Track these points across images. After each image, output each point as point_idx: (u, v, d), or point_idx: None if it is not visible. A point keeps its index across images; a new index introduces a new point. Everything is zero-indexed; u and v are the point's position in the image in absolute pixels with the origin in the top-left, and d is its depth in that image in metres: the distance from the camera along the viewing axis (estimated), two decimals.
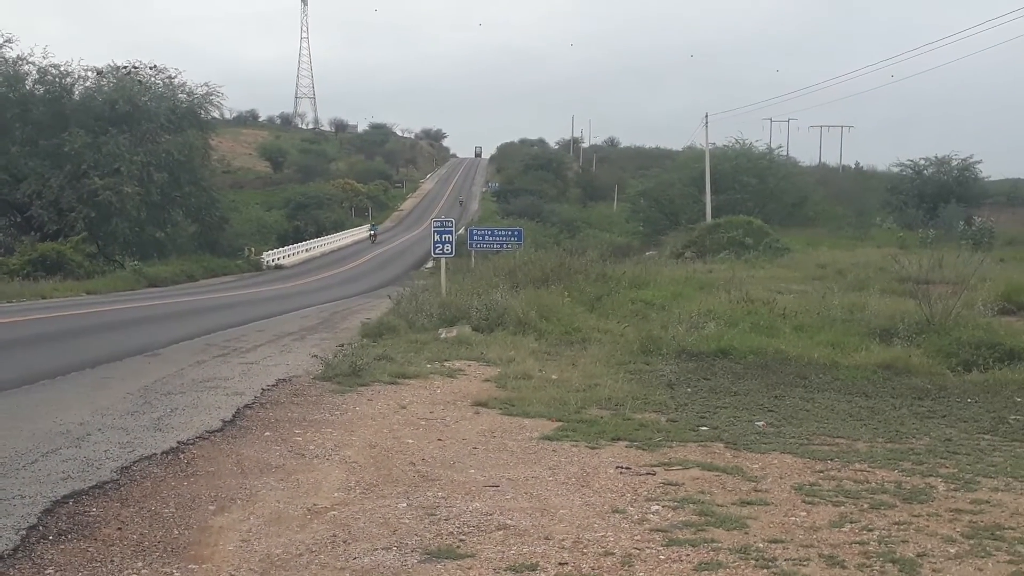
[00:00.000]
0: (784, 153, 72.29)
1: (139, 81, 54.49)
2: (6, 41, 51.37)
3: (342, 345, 15.69)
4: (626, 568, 5.59)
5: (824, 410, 11.01)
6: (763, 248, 39.53)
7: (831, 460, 8.47)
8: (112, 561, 5.55)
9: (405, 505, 6.86)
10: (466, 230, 40.12)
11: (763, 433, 9.65)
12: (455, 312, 18.14)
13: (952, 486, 7.59)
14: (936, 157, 59.41)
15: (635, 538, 6.15)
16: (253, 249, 59.24)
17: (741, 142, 63.35)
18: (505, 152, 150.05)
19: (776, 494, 7.30)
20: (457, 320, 17.62)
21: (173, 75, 56.42)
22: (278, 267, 56.95)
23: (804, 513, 6.79)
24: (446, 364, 13.84)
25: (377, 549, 5.90)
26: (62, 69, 53.35)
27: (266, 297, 33.92)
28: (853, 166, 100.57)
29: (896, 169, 63.39)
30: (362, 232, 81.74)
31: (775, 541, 6.11)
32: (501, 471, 7.95)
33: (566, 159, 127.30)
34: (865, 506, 6.97)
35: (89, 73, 54.71)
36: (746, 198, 55.61)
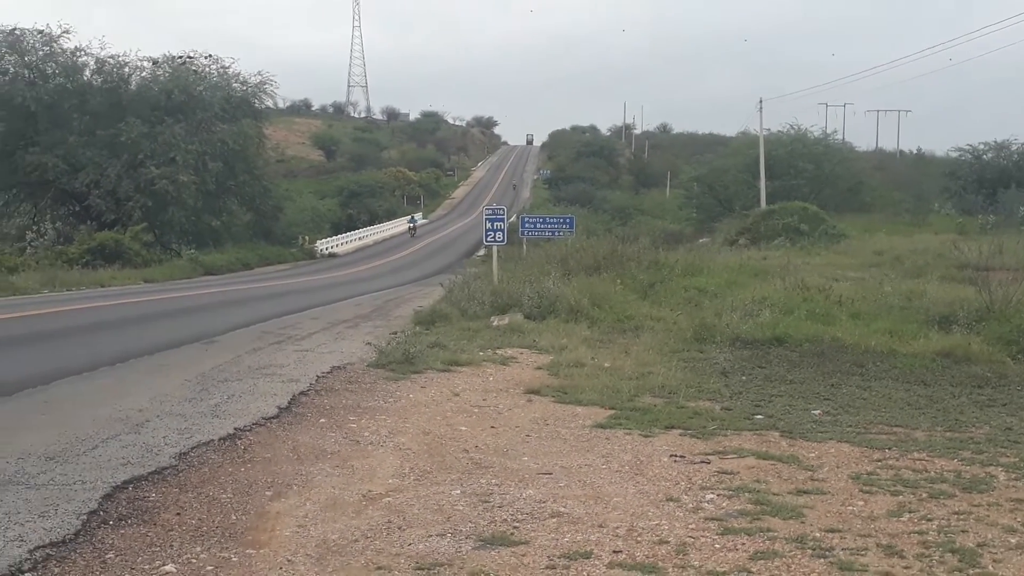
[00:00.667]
0: (840, 138, 71.28)
1: (194, 71, 55.05)
2: (64, 32, 52.12)
3: (395, 333, 15.78)
4: (680, 556, 5.57)
5: (882, 398, 10.88)
6: (819, 235, 39.08)
7: (889, 449, 8.37)
8: (171, 546, 5.63)
9: (459, 492, 6.89)
10: (518, 218, 40.12)
11: (819, 422, 9.56)
12: (507, 300, 18.14)
13: (1013, 475, 7.46)
14: (995, 141, 58.17)
15: (689, 527, 6.12)
16: (307, 237, 59.71)
17: (796, 127, 62.66)
18: (557, 139, 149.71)
19: (833, 483, 7.22)
20: (509, 308, 17.63)
21: (227, 65, 56.91)
22: (331, 255, 57.38)
23: (862, 502, 6.72)
24: (498, 352, 13.86)
25: (431, 535, 5.93)
26: (119, 60, 54.07)
27: (320, 285, 34.20)
28: (910, 151, 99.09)
29: (954, 154, 62.24)
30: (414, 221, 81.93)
31: (832, 530, 6.05)
32: (554, 459, 7.95)
33: (618, 146, 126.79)
34: (924, 495, 6.88)
35: (145, 63, 55.38)
36: (801, 184, 54.98)
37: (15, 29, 50.68)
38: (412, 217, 75.95)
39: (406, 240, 68.36)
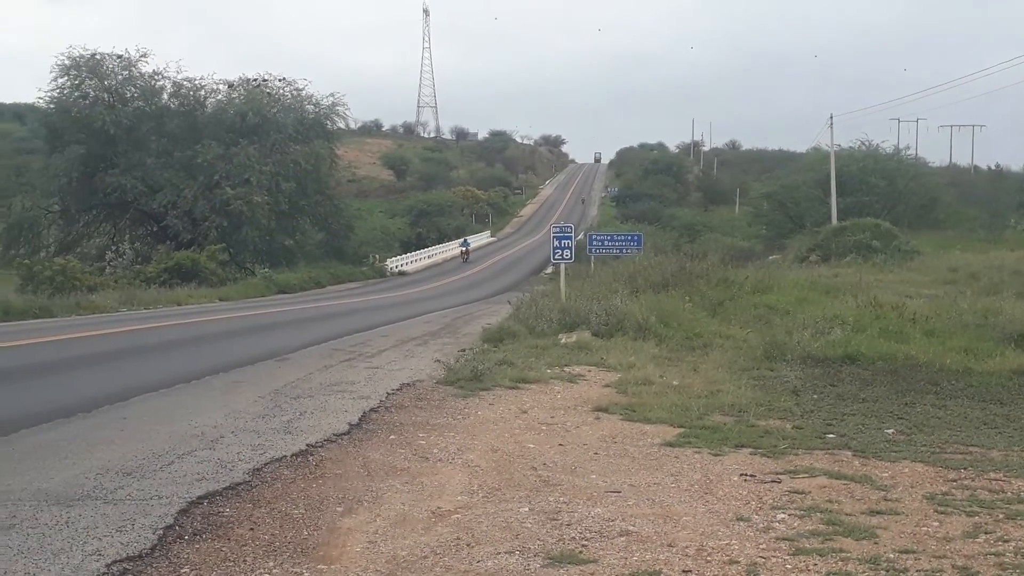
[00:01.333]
0: (913, 154, 70.22)
1: (268, 93, 56.11)
2: (142, 56, 53.52)
3: (464, 350, 15.86)
4: None
5: (957, 417, 10.67)
6: (891, 251, 38.54)
7: (964, 469, 8.20)
8: (244, 561, 5.72)
9: (527, 509, 6.90)
10: (585, 235, 40.10)
11: (893, 441, 9.40)
12: (575, 317, 18.14)
13: None
14: None
15: (760, 546, 6.06)
16: (377, 256, 60.37)
17: (867, 143, 61.87)
18: (624, 157, 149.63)
19: (907, 503, 7.10)
20: (577, 325, 17.62)
21: (301, 87, 57.97)
22: (401, 273, 57.90)
23: (936, 523, 6.60)
24: (566, 369, 13.86)
25: (500, 553, 5.95)
26: (195, 83, 55.34)
27: (390, 303, 34.50)
28: (986, 167, 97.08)
29: None
30: (482, 238, 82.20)
31: (906, 551, 5.95)
32: (623, 477, 7.93)
33: (686, 163, 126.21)
34: (1000, 516, 6.73)
35: (220, 86, 56.65)
36: (873, 200, 54.26)
37: (95, 54, 52.10)
38: (464, 240, 71.05)
39: (474, 258, 68.63)
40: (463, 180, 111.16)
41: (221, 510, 6.68)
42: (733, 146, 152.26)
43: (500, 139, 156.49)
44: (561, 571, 5.63)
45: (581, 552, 5.95)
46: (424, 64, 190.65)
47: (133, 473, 7.43)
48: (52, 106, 52.70)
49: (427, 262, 64.76)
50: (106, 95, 51.85)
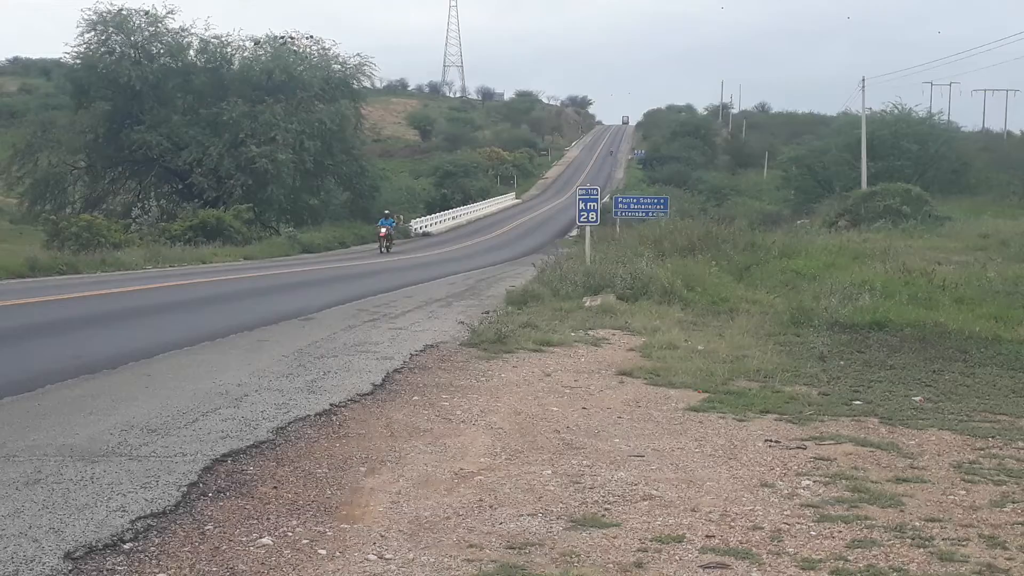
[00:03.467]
0: (945, 118, 69.24)
1: (295, 51, 55.92)
2: (168, 13, 53.37)
3: (487, 312, 15.83)
4: (775, 543, 5.48)
5: (985, 386, 10.57)
6: (921, 217, 38.16)
7: (992, 438, 8.13)
8: (268, 519, 5.73)
9: (550, 472, 6.88)
10: (611, 198, 39.92)
11: (920, 408, 9.32)
12: (599, 281, 18.06)
13: None
14: None
15: (784, 513, 6.02)
16: (402, 217, 60.31)
17: (899, 107, 61.10)
18: (652, 119, 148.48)
19: (934, 471, 7.04)
20: (601, 289, 17.55)
21: (328, 46, 57.71)
22: (426, 234, 57.87)
23: (963, 492, 6.53)
24: (590, 333, 13.81)
25: (523, 515, 5.93)
26: (222, 40, 55.20)
27: (414, 264, 34.51)
28: (1020, 132, 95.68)
29: None
30: (507, 200, 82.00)
31: (932, 520, 5.90)
32: (646, 441, 7.90)
33: (714, 125, 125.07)
34: None
35: (247, 43, 56.49)
36: (904, 165, 53.69)
37: (122, 10, 52.02)
38: (385, 218, 45.90)
39: (499, 220, 68.56)
40: (488, 141, 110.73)
41: (245, 468, 6.69)
42: (762, 109, 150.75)
43: (526, 100, 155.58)
44: (584, 534, 5.60)
45: (604, 515, 5.93)
46: (451, 23, 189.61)
47: (157, 430, 7.45)
48: (78, 62, 52.72)
49: (452, 223, 64.68)
50: (132, 51, 51.76)
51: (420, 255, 41.11)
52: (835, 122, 75.17)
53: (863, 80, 55.08)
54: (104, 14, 51.53)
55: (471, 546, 5.38)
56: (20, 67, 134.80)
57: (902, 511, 6.07)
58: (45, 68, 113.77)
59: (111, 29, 51.75)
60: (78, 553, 4.98)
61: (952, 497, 6.40)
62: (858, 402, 9.54)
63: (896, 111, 60.60)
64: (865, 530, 5.69)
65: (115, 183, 55.31)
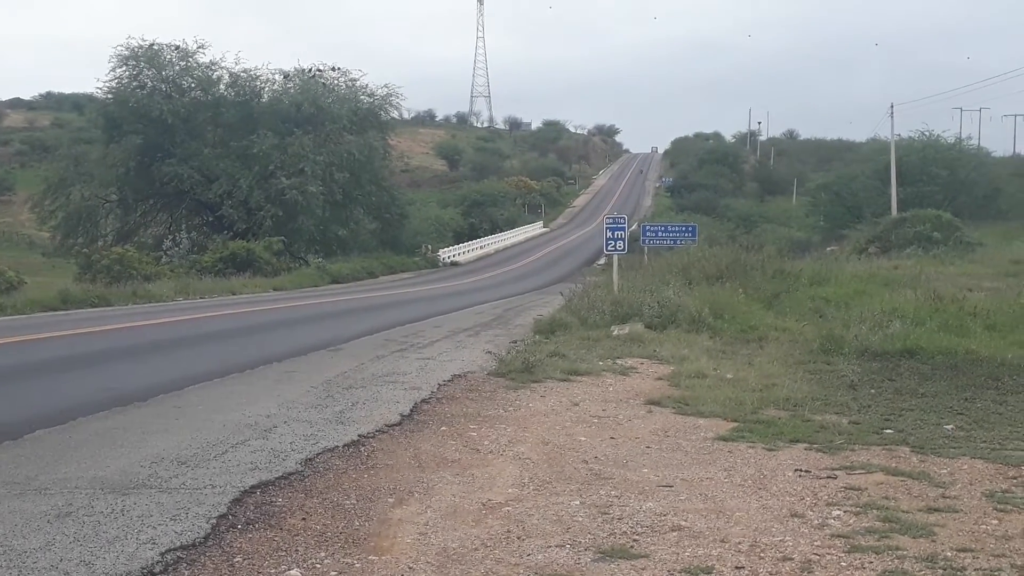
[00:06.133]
0: (975, 144, 68.85)
1: (323, 83, 56.46)
2: (199, 47, 54.09)
3: (515, 341, 15.84)
4: (805, 574, 5.43)
5: (1018, 413, 10.43)
6: (952, 243, 37.88)
7: None
8: (296, 551, 5.74)
9: (578, 503, 6.86)
10: (639, 226, 39.90)
11: (952, 437, 9.22)
12: (627, 309, 18.03)
13: None
14: None
15: (815, 543, 5.97)
16: (430, 246, 60.49)
17: (928, 133, 60.85)
18: (679, 146, 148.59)
19: (966, 501, 6.96)
20: (629, 317, 17.52)
21: (356, 77, 58.29)
22: (454, 264, 58.01)
23: (996, 521, 6.45)
24: (618, 361, 13.78)
25: (551, 546, 5.91)
26: (252, 73, 55.84)
27: (442, 293, 34.59)
28: None
29: None
30: (534, 229, 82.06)
31: (964, 550, 5.83)
32: (675, 471, 7.86)
33: (742, 153, 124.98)
34: None
35: (276, 76, 57.14)
36: (934, 191, 53.39)
37: (153, 44, 52.74)
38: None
39: (526, 249, 68.65)
40: (516, 170, 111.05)
41: (274, 500, 6.71)
42: (791, 135, 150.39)
43: (553, 129, 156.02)
44: (612, 565, 5.58)
45: (632, 547, 5.90)
46: (478, 53, 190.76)
47: (187, 462, 7.49)
48: (110, 96, 53.40)
49: (479, 252, 64.83)
50: (163, 85, 52.46)
51: (448, 284, 41.21)
52: (864, 148, 74.96)
53: (892, 107, 55.05)
54: (136, 49, 52.27)
55: None
56: (53, 102, 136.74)
57: (934, 541, 6.00)
58: (77, 102, 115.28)
59: (142, 64, 52.46)
60: None
61: (984, 527, 6.33)
62: (889, 431, 9.46)
63: (925, 137, 60.35)
64: (896, 560, 5.63)
65: (146, 216, 55.89)
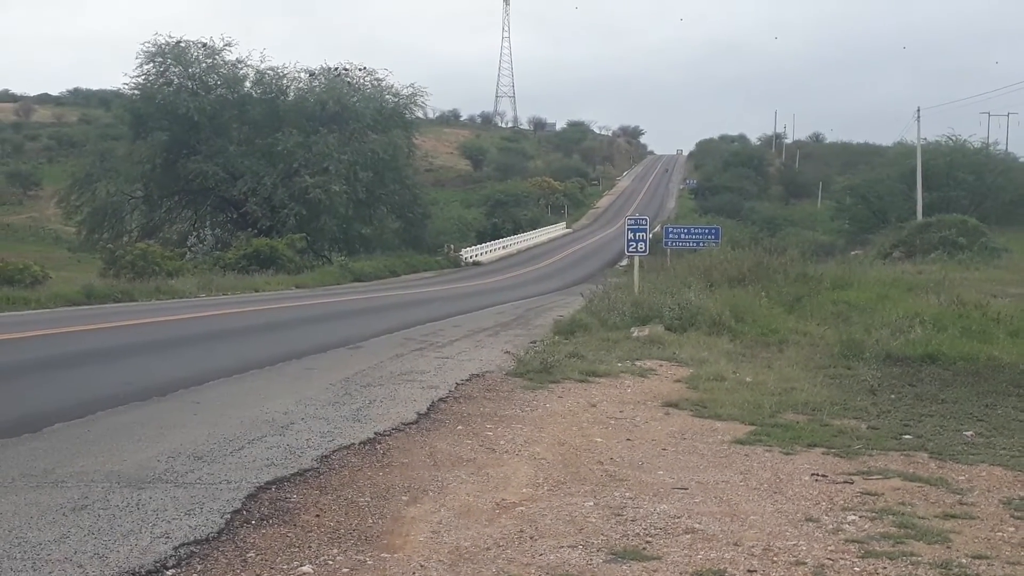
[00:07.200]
0: (1002, 148, 68.34)
1: (348, 82, 56.62)
2: (226, 45, 54.36)
3: (534, 342, 15.83)
4: None
5: None
6: (977, 248, 37.62)
7: None
8: (309, 547, 5.75)
9: (592, 504, 6.85)
10: (662, 228, 39.82)
11: (971, 443, 9.15)
12: (648, 311, 17.99)
13: None
14: None
15: (829, 548, 5.93)
16: (453, 246, 60.57)
17: (954, 138, 60.44)
18: (704, 149, 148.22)
19: (983, 508, 6.90)
20: (650, 319, 17.48)
21: (381, 77, 58.43)
22: (476, 263, 58.06)
23: (1012, 528, 6.40)
24: (637, 363, 13.74)
25: (563, 547, 5.90)
26: (277, 71, 56.08)
27: (463, 293, 34.62)
28: None
29: None
30: (557, 230, 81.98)
31: (979, 557, 5.78)
32: (690, 474, 7.83)
33: (767, 155, 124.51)
34: None
35: (302, 74, 57.38)
36: (960, 196, 53.09)
37: (180, 42, 53.04)
38: None
39: (549, 249, 68.63)
40: (540, 171, 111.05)
41: (288, 496, 6.73)
42: (816, 139, 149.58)
43: (578, 130, 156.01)
44: (624, 567, 5.56)
45: (645, 548, 5.88)
46: (503, 54, 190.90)
47: (204, 457, 7.53)
48: (137, 92, 53.77)
49: (502, 252, 64.85)
50: (190, 82, 52.77)
51: (469, 284, 41.24)
52: (890, 152, 74.56)
53: (918, 110, 54.62)
54: (163, 46, 52.59)
55: None
56: (80, 98, 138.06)
57: (949, 548, 5.95)
58: (104, 99, 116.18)
59: (169, 61, 52.78)
60: None
61: (1001, 534, 6.27)
62: (908, 436, 9.39)
63: (952, 141, 59.96)
64: (910, 567, 5.59)
65: (171, 212, 56.22)
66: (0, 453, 7.48)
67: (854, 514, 6.68)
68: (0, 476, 6.80)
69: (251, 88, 55.65)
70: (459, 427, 9.33)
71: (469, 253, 59.79)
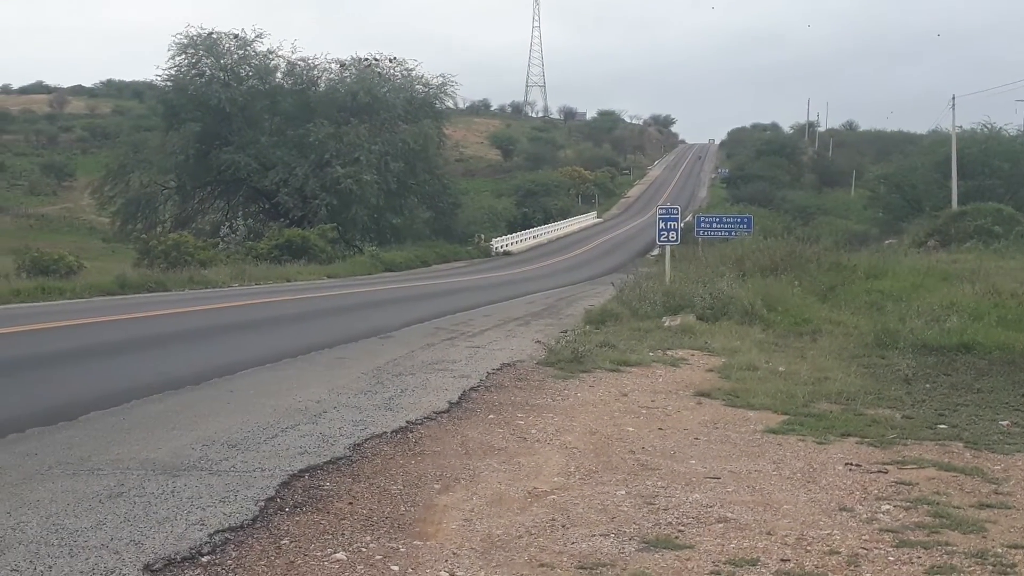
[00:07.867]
0: None
1: (379, 73, 56.76)
2: (257, 36, 54.62)
3: (565, 331, 15.81)
4: (852, 568, 5.37)
5: None
6: (1014, 237, 37.17)
7: None
8: (343, 534, 5.79)
9: (624, 493, 6.84)
10: (693, 217, 39.64)
11: (1008, 433, 9.06)
12: (679, 300, 17.92)
13: None
14: None
15: (863, 537, 5.90)
16: (483, 236, 60.61)
17: (990, 126, 59.75)
18: (736, 137, 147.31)
19: (1019, 497, 6.83)
20: (681, 308, 17.41)
21: (411, 67, 58.53)
22: (506, 253, 58.07)
23: None
24: (668, 353, 13.70)
25: (595, 535, 5.90)
26: (309, 62, 56.30)
27: (494, 283, 34.64)
28: None
29: None
30: (587, 219, 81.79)
31: (1015, 547, 5.72)
32: (723, 463, 7.80)
33: (800, 144, 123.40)
34: None
35: (333, 65, 57.62)
36: (995, 184, 52.48)
37: (212, 33, 53.34)
38: None
39: (579, 239, 68.51)
40: (570, 160, 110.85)
41: (321, 484, 6.77)
42: (850, 127, 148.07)
43: (609, 119, 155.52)
44: (656, 556, 5.56)
45: (677, 537, 5.87)
46: (534, 44, 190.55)
47: (238, 445, 7.58)
48: (169, 84, 54.16)
49: (532, 242, 64.84)
50: (222, 73, 53.03)
51: (500, 274, 41.26)
52: (924, 140, 73.93)
53: (953, 98, 54.07)
54: (195, 38, 52.94)
55: (542, 565, 5.37)
56: (114, 89, 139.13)
57: (984, 537, 5.90)
58: (137, 90, 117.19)
59: (201, 52, 53.10)
60: (157, 565, 5.09)
61: None
62: (943, 426, 9.32)
63: (987, 129, 59.29)
64: (945, 556, 5.55)
65: (204, 203, 56.61)
66: (37, 441, 7.57)
67: (888, 504, 6.63)
68: (37, 464, 6.88)
69: (282, 79, 55.93)
70: (490, 416, 9.35)
71: (499, 243, 59.80)
